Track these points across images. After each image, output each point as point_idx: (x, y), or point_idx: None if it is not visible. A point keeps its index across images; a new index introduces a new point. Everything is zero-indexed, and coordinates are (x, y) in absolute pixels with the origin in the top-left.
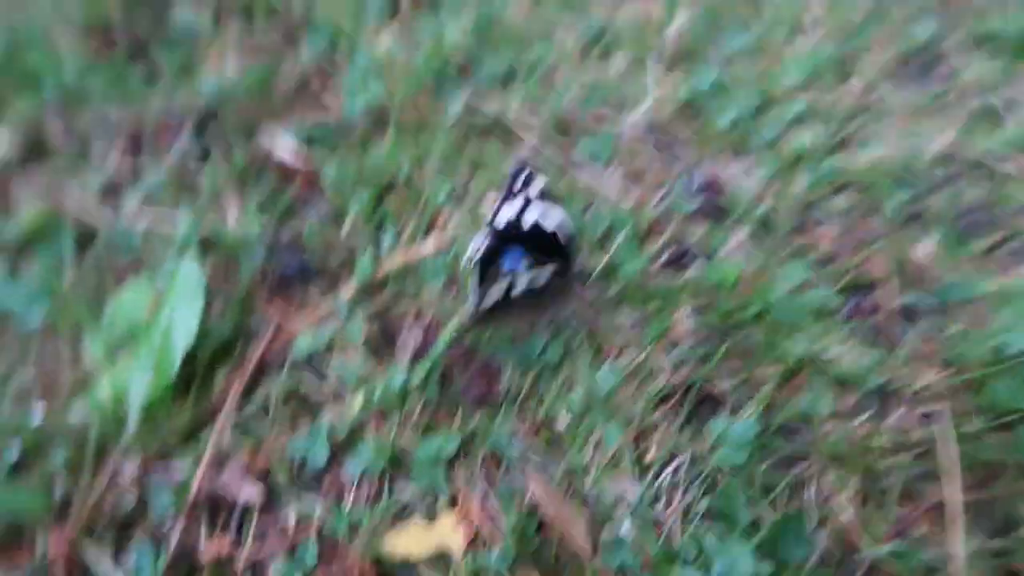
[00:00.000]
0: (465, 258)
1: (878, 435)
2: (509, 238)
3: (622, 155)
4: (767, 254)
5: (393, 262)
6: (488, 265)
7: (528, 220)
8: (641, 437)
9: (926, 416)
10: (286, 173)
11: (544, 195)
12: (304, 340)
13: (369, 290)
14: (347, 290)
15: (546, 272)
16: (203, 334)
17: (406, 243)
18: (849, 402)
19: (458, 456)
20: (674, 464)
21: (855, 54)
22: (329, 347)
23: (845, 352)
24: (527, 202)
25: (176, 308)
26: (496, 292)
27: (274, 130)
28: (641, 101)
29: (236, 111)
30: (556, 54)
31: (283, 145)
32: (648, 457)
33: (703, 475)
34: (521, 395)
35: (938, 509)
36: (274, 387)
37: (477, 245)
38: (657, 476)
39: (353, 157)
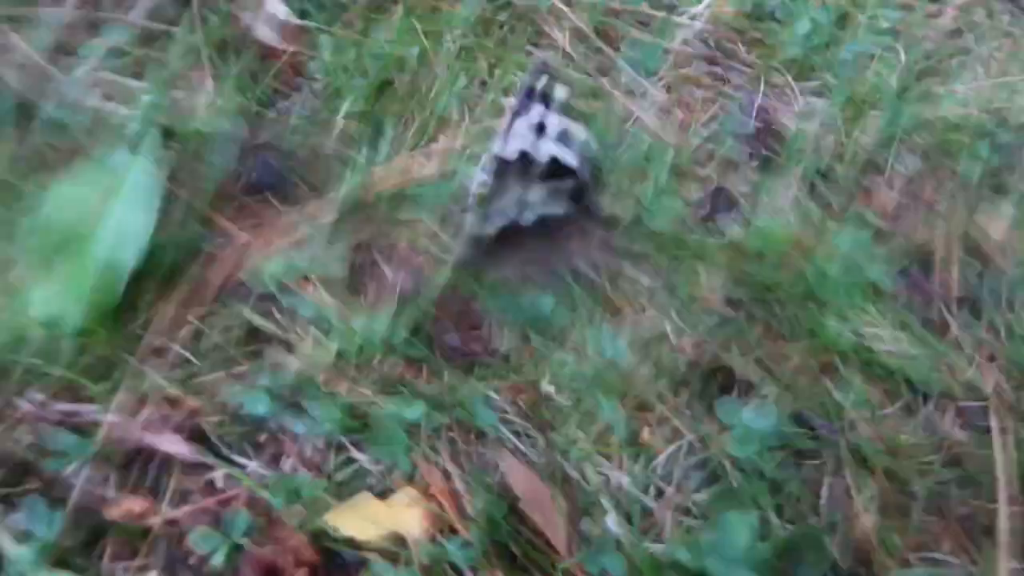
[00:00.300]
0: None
1: (908, 433)
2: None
3: (668, 70)
4: (821, 218)
5: (388, 180)
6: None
7: (544, 151)
8: (639, 411)
9: (963, 418)
10: (269, 53)
11: (566, 108)
12: (273, 267)
13: (355, 212)
14: (330, 209)
15: (564, 198)
16: (155, 248)
17: (406, 154)
18: (882, 394)
19: (426, 423)
20: (673, 447)
21: None
22: (303, 278)
23: (890, 339)
24: (543, 121)
25: (126, 213)
26: (500, 218)
27: None
28: (697, 3)
29: None
30: None
31: (268, 17)
32: (643, 437)
33: (706, 464)
34: (511, 356)
35: (968, 522)
36: (228, 321)
37: (480, 180)
38: (651, 460)
39: (351, 41)
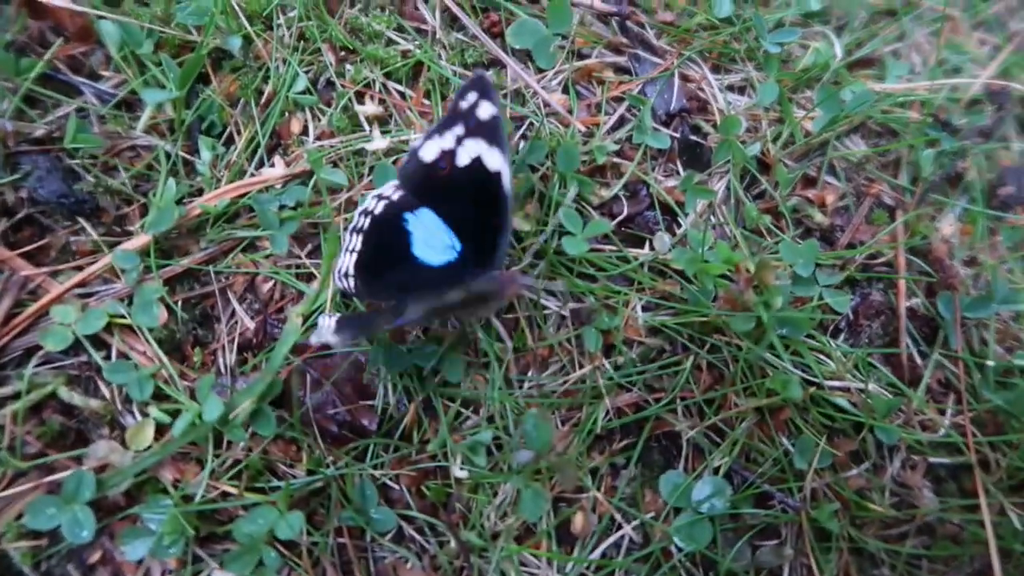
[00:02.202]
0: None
1: (875, 499)
2: (427, 191)
3: (572, 42)
4: (754, 225)
5: (217, 193)
6: (386, 232)
7: (463, 158)
8: (568, 495)
9: (932, 478)
10: (40, 17)
11: (489, 127)
12: (64, 316)
13: (175, 238)
14: (138, 236)
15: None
16: None
17: (239, 160)
18: (844, 450)
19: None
20: (612, 539)
21: None
22: (106, 330)
23: (843, 377)
24: (464, 134)
25: None
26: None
27: None
28: None
29: None
30: None
31: None
32: (576, 526)
33: (649, 557)
34: (412, 431)
35: None
36: (27, 398)
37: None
38: (588, 553)
39: (155, 2)
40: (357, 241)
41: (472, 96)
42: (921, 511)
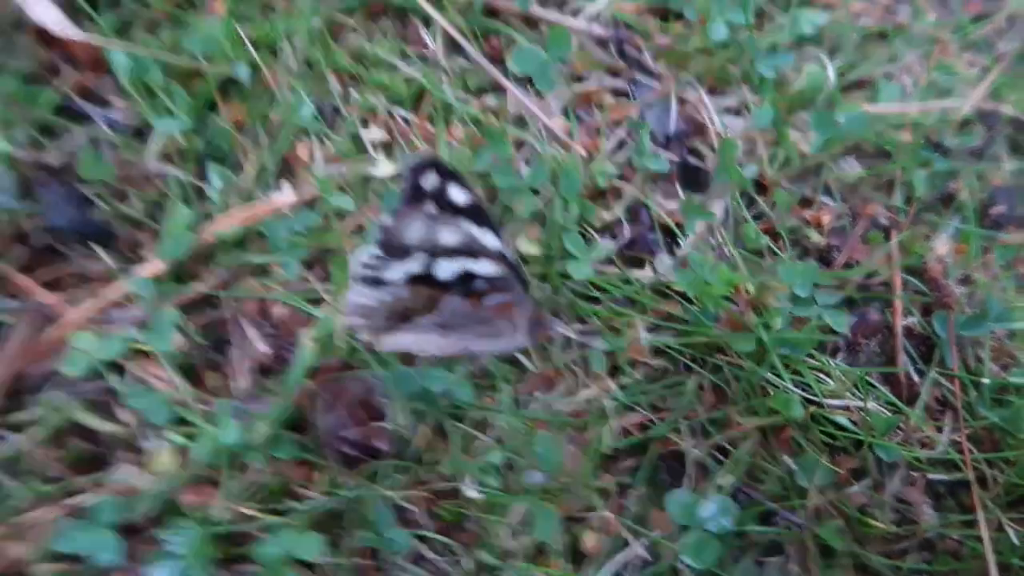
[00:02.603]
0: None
1: (876, 515)
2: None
3: (563, 86)
4: (754, 247)
5: (228, 219)
6: None
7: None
8: (580, 511)
9: (934, 490)
10: (56, 45)
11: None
12: (83, 344)
13: (188, 264)
14: (152, 262)
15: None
16: None
17: (250, 187)
18: (846, 470)
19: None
20: (620, 556)
21: None
22: (123, 356)
23: (843, 395)
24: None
25: None
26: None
27: None
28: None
29: None
30: None
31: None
32: (587, 544)
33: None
34: (423, 453)
35: None
36: (48, 425)
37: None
38: (599, 572)
39: (164, 30)
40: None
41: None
42: (922, 527)
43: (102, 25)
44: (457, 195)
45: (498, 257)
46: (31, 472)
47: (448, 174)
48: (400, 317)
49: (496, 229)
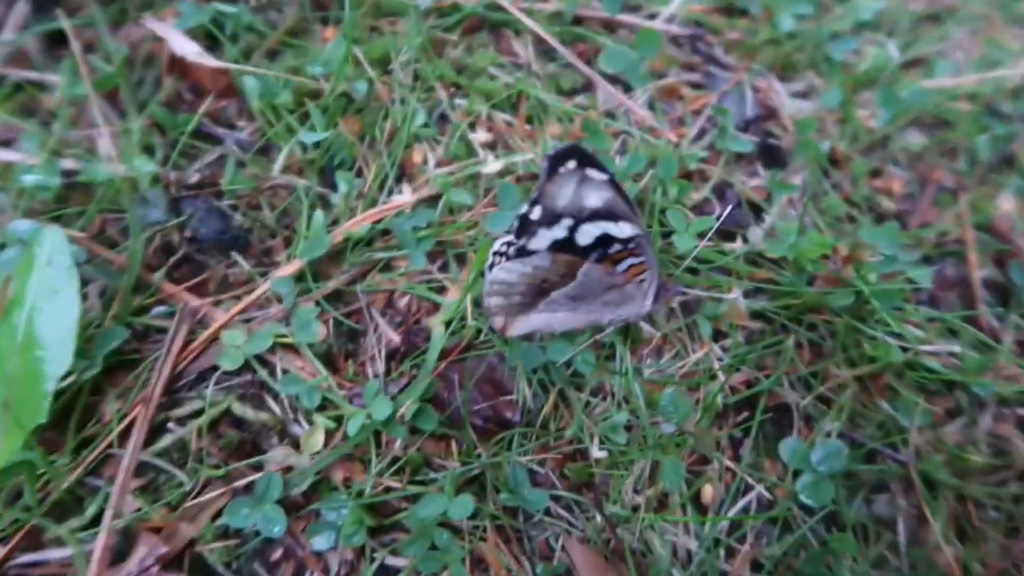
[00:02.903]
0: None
1: (973, 451)
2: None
3: (653, 64)
4: (834, 215)
5: (357, 220)
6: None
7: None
8: (697, 465)
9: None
10: (185, 76)
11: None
12: (233, 340)
13: (318, 264)
14: (290, 263)
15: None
16: (82, 341)
17: (370, 190)
18: (942, 410)
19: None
20: (740, 504)
21: None
22: (270, 350)
23: (933, 342)
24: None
25: (39, 306)
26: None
27: (160, 10)
28: (665, 4)
29: None
30: None
31: (179, 34)
32: (707, 495)
33: (778, 518)
34: (550, 420)
35: None
36: (207, 415)
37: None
38: (718, 519)
39: (285, 56)
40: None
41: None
42: (1016, 458)
43: (231, 55)
44: (595, 174)
45: (634, 222)
46: (197, 459)
47: (586, 158)
48: (538, 291)
49: (628, 200)
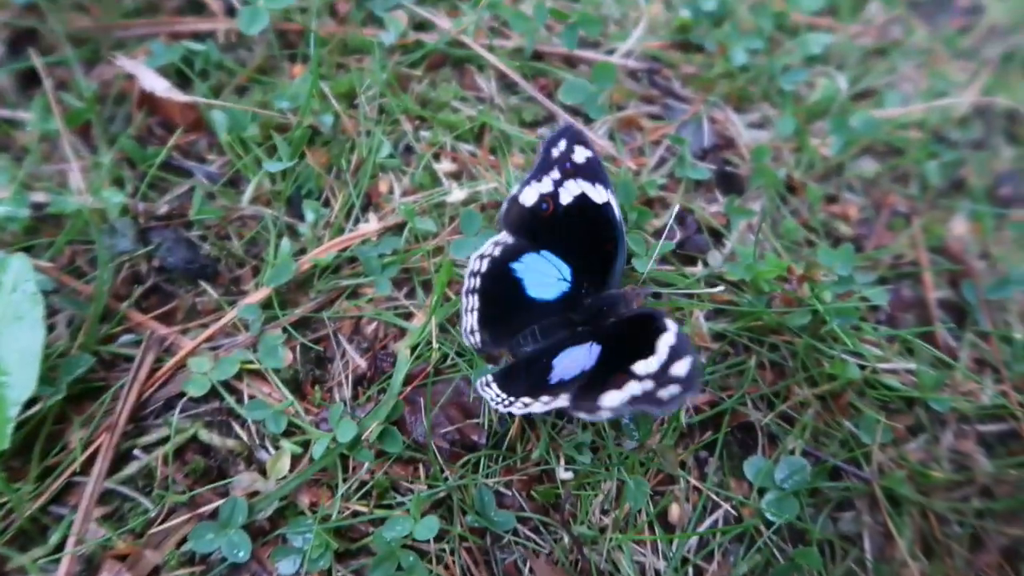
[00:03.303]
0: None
1: (936, 467)
2: (532, 231)
3: (612, 97)
4: (792, 239)
5: (324, 248)
6: (498, 284)
7: (565, 197)
8: (663, 485)
9: (985, 442)
10: (156, 112)
11: (588, 168)
12: (200, 366)
13: (286, 292)
14: (257, 291)
15: None
16: (47, 368)
17: (337, 219)
18: (901, 424)
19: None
20: (707, 522)
21: None
22: (237, 377)
23: (891, 360)
24: (561, 177)
25: (2, 332)
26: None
27: (131, 50)
28: (629, 23)
29: (70, 19)
30: None
31: (149, 71)
32: (674, 515)
33: (743, 533)
34: (509, 438)
35: (1010, 552)
36: (173, 441)
37: (483, 253)
38: (686, 536)
39: (253, 92)
40: (474, 300)
41: (563, 143)
42: (978, 474)
43: (200, 90)
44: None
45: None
46: (162, 486)
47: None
48: None
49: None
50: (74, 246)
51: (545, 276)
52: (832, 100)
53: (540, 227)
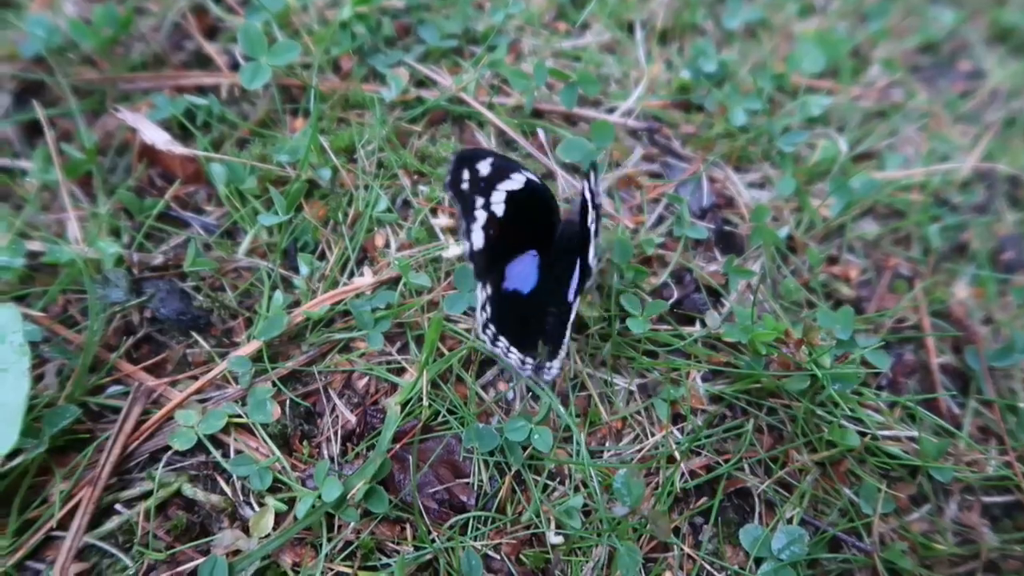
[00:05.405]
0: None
1: (939, 539)
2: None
3: (612, 155)
4: (792, 300)
5: (317, 301)
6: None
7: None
8: (656, 552)
9: (990, 513)
10: (156, 163)
11: (497, 172)
12: (187, 419)
13: (277, 344)
14: (248, 344)
15: None
16: (31, 419)
17: (332, 272)
18: (903, 494)
19: None
20: None
21: (872, 40)
22: (224, 431)
23: (892, 427)
24: (485, 203)
25: None
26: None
27: (136, 102)
28: (630, 82)
29: (77, 71)
30: (521, 15)
31: (150, 124)
32: None
33: None
34: (507, 504)
35: None
36: (156, 497)
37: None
38: None
39: (253, 145)
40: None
41: (465, 173)
42: (984, 547)
43: (201, 144)
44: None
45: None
46: (143, 543)
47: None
48: None
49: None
50: (68, 295)
51: (526, 272)
52: (833, 161)
53: (501, 247)
